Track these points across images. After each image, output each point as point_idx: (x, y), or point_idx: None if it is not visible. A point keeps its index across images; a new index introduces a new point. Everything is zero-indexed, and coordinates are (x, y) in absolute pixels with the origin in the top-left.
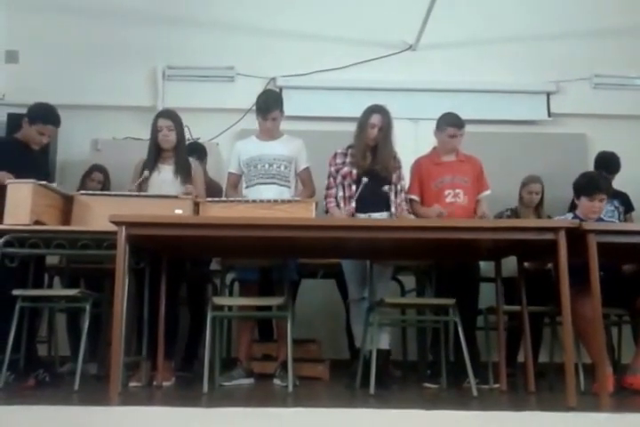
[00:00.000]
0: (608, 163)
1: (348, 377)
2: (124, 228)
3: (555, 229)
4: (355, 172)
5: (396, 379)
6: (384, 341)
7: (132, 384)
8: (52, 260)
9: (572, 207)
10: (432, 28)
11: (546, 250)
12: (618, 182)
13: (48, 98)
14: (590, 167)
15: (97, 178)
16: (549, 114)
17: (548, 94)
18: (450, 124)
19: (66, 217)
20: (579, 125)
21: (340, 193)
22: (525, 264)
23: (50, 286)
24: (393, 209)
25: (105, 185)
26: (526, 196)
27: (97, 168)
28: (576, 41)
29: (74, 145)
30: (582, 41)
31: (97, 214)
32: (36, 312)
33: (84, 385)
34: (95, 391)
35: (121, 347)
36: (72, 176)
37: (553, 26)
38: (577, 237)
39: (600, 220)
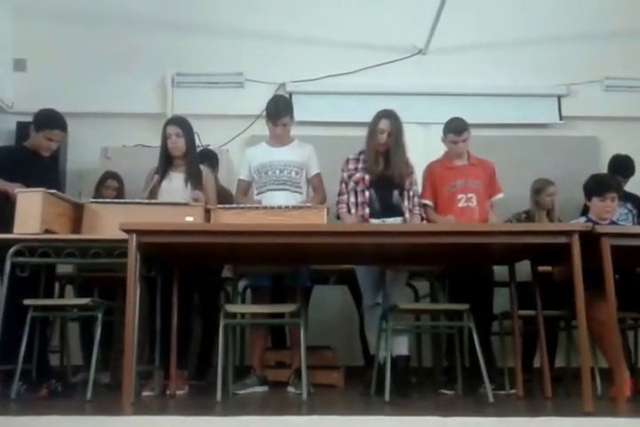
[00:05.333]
0: (623, 166)
1: (363, 384)
2: (134, 236)
3: (568, 233)
4: (367, 177)
5: (414, 387)
6: (403, 346)
7: (144, 393)
8: (66, 269)
9: (585, 212)
10: (442, 32)
11: (560, 254)
12: (630, 185)
13: (57, 106)
14: (603, 170)
15: (112, 185)
16: (561, 117)
17: (559, 97)
18: (449, 130)
19: (76, 225)
20: (590, 128)
21: (352, 199)
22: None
23: (62, 295)
24: (407, 215)
25: (120, 192)
26: (547, 199)
27: (111, 175)
28: (586, 43)
29: (84, 153)
30: (592, 43)
31: (107, 223)
32: (47, 322)
33: (96, 395)
34: (108, 401)
35: (133, 356)
36: (82, 185)
37: (563, 29)
38: (591, 240)
39: (613, 223)
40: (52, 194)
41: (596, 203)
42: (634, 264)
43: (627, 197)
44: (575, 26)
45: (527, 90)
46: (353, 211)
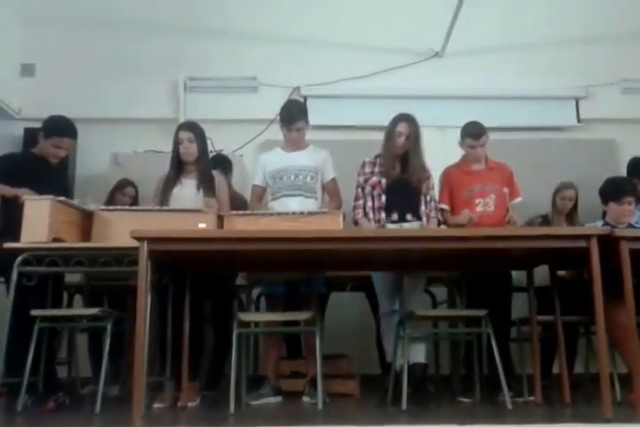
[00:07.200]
0: None
1: (380, 393)
2: (145, 243)
3: (586, 237)
4: (384, 181)
5: (432, 395)
6: (420, 354)
7: (155, 406)
8: (74, 278)
9: (605, 215)
10: (458, 34)
11: (578, 258)
12: None
13: (66, 111)
14: (621, 173)
15: (129, 193)
16: (578, 119)
17: (577, 100)
18: (467, 135)
19: (85, 233)
20: (608, 131)
21: (370, 203)
22: (563, 272)
23: (70, 305)
24: (424, 220)
25: (135, 200)
26: (559, 202)
27: (128, 183)
28: (604, 45)
29: (93, 159)
30: (610, 45)
31: (118, 230)
32: (54, 333)
33: (105, 407)
34: (117, 414)
35: (143, 367)
36: (92, 191)
37: (580, 30)
38: (609, 244)
39: (630, 226)
40: (60, 201)
41: (613, 207)
42: None
43: None
44: (592, 28)
45: (544, 92)
46: (370, 215)
